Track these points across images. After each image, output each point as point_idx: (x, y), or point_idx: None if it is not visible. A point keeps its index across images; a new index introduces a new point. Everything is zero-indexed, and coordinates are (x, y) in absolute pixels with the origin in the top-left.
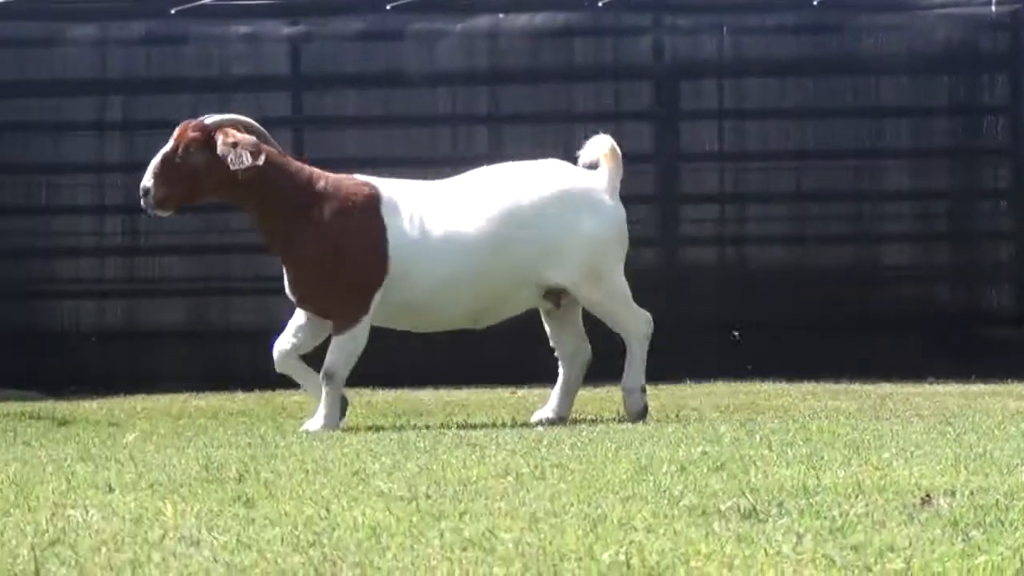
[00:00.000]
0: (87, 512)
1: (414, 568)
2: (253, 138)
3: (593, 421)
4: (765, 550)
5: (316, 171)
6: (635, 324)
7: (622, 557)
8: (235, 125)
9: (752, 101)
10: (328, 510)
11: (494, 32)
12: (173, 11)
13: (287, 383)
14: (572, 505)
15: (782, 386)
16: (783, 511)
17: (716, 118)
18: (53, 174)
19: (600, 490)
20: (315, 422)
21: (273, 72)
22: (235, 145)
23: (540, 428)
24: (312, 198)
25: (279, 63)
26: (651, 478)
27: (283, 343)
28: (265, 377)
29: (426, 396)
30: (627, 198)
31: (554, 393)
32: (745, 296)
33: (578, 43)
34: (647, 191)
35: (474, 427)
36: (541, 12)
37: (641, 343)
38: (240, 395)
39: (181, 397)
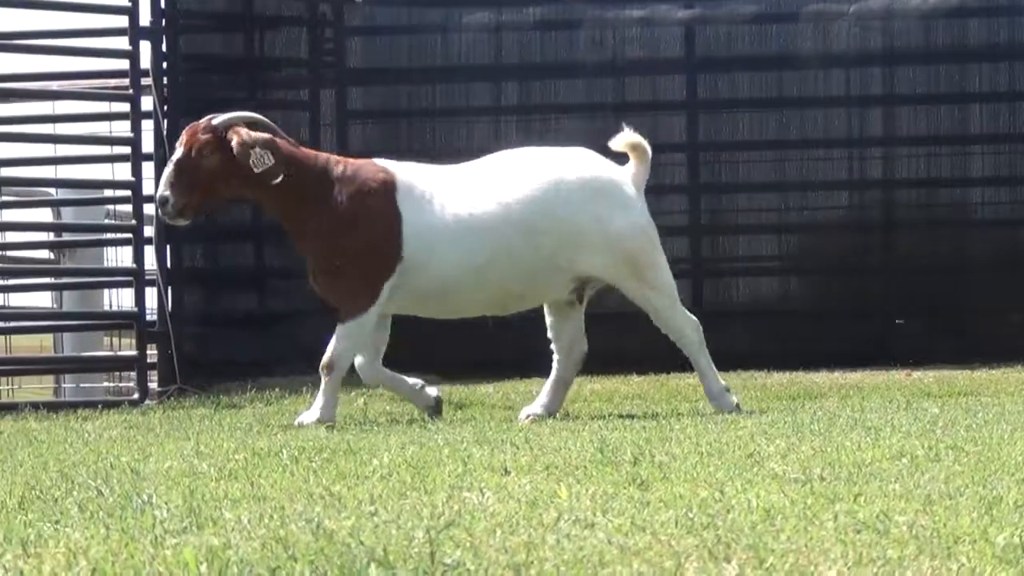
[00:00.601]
0: (482, 494)
1: (807, 550)
2: (266, 135)
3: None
4: None
5: (332, 158)
6: (687, 329)
7: (1017, 540)
8: (243, 123)
9: None
10: (722, 492)
11: (888, 13)
12: None
13: (684, 365)
14: (967, 487)
15: None
16: None
17: None
18: (451, 158)
19: (996, 472)
20: (310, 415)
21: (667, 55)
22: (252, 146)
23: (921, 411)
24: (329, 187)
25: (673, 46)
26: None
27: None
28: (659, 359)
29: (820, 378)
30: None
31: (545, 388)
32: None
33: (972, 24)
34: None
35: (868, 410)
36: None
37: (698, 351)
38: (635, 378)
39: (576, 380)
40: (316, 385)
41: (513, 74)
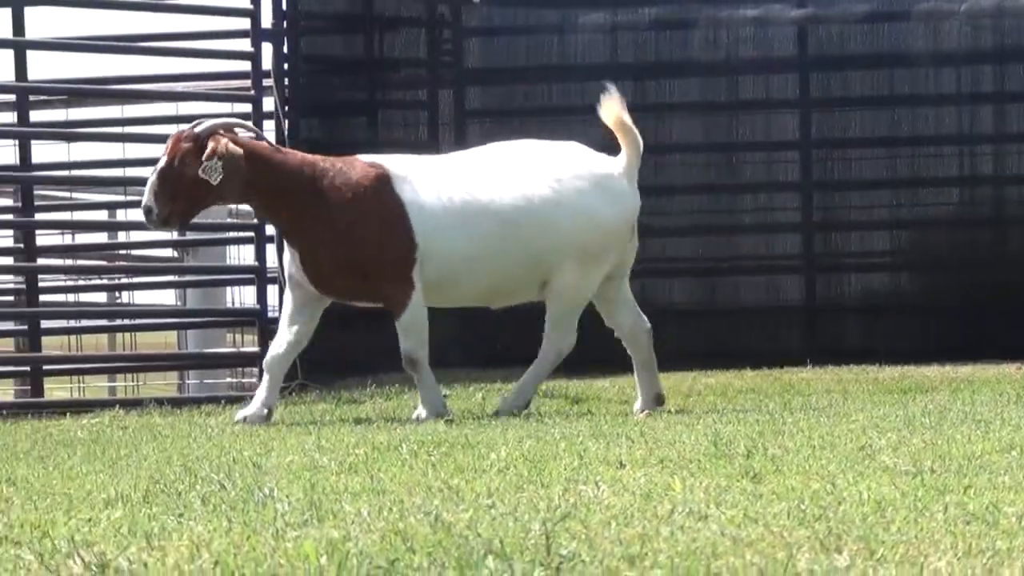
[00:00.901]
0: (598, 487)
1: (917, 541)
2: (237, 150)
3: None
4: None
5: (319, 159)
6: (565, 336)
7: None
8: (226, 129)
9: None
10: (834, 484)
11: (999, 11)
12: None
13: (797, 360)
14: None
15: None
16: None
17: None
18: None
19: None
20: (423, 411)
21: (780, 54)
22: (209, 157)
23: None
24: (324, 188)
25: (786, 45)
26: None
27: (278, 345)
28: (771, 354)
29: (931, 372)
30: None
31: (637, 380)
32: None
33: None
34: None
35: (978, 403)
36: None
37: (551, 364)
38: (748, 372)
39: (691, 375)
40: (439, 383)
41: (628, 73)
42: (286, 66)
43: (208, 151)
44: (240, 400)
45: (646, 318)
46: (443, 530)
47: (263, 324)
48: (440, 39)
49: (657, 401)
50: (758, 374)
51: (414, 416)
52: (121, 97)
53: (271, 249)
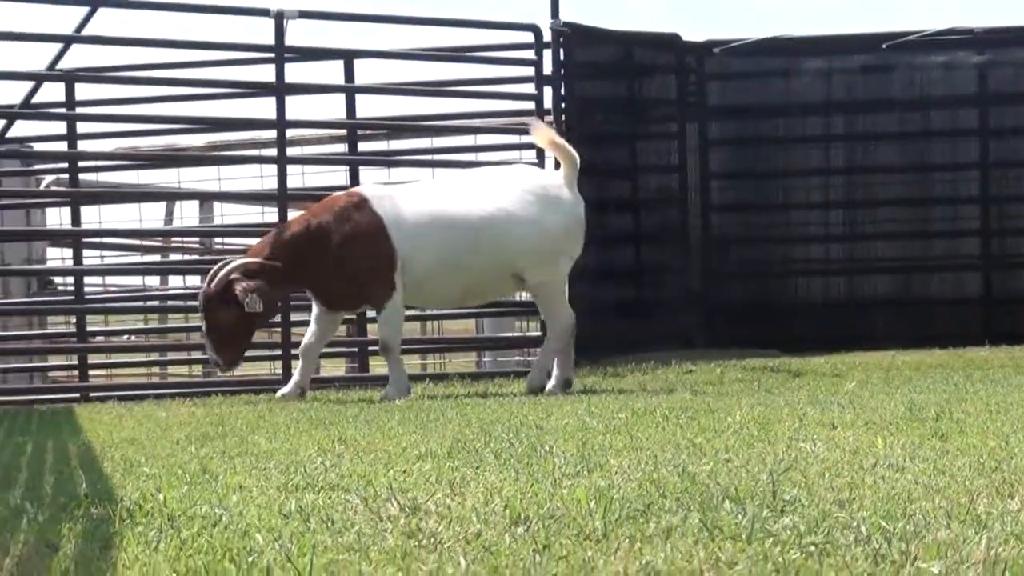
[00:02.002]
0: (814, 445)
1: None
2: (254, 282)
3: None
4: None
5: (308, 214)
6: (559, 319)
7: None
8: (233, 270)
9: None
10: (1007, 442)
11: None
12: (884, 45)
13: (977, 342)
14: None
15: None
16: None
17: None
18: (789, 177)
19: None
20: (389, 391)
21: (964, 92)
22: (244, 296)
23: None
24: (321, 233)
25: (969, 85)
26: None
27: (310, 336)
28: (956, 337)
29: None
30: None
31: (555, 364)
32: None
33: None
34: None
35: None
36: None
37: (559, 339)
38: (937, 351)
39: (890, 354)
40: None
41: (841, 109)
42: (563, 105)
43: (240, 293)
44: (526, 375)
45: (572, 312)
46: (688, 479)
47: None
48: (687, 82)
49: (566, 385)
50: (945, 353)
51: (382, 396)
52: (431, 131)
53: None
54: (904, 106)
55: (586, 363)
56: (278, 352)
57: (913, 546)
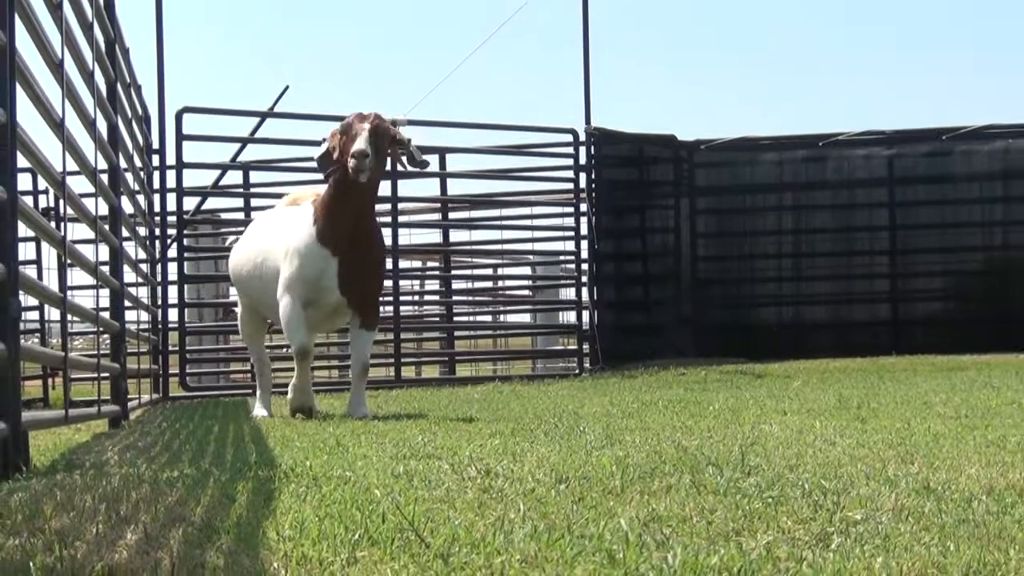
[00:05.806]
0: (771, 426)
1: (958, 458)
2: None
3: None
4: None
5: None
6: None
7: None
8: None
9: None
10: (908, 424)
11: None
12: (820, 143)
13: (887, 352)
14: None
15: None
16: None
17: None
18: (753, 236)
19: None
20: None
21: (878, 175)
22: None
23: None
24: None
25: (881, 170)
26: None
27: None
28: (874, 349)
29: None
30: None
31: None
32: None
33: None
34: None
35: None
36: None
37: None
38: (859, 359)
39: (825, 361)
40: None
41: (789, 188)
42: (593, 186)
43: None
44: (567, 376)
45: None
46: (682, 451)
47: (580, 333)
48: (682, 169)
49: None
50: (865, 360)
51: (360, 414)
52: (500, 204)
53: (584, 290)
54: (835, 185)
55: (610, 369)
56: (391, 360)
57: (842, 499)
